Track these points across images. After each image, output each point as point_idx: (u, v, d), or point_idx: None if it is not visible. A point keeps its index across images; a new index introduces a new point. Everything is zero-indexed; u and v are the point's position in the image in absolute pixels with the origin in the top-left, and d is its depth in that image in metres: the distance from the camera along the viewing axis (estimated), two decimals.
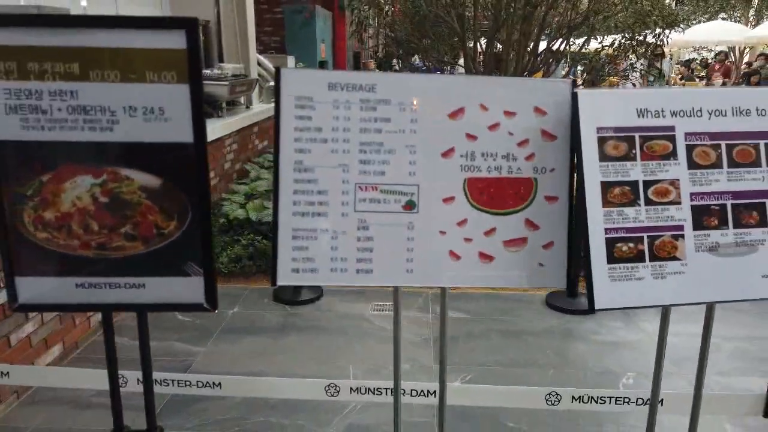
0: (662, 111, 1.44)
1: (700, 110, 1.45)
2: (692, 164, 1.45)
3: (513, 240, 1.52)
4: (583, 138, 1.42)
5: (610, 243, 1.42)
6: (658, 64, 9.41)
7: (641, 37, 7.09)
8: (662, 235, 1.43)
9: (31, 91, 1.50)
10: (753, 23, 16.25)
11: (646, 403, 1.90)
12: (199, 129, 1.55)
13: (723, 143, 1.46)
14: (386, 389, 2.00)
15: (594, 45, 7.61)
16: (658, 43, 6.95)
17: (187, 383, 2.08)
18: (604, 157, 1.43)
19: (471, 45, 7.91)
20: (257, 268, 4.25)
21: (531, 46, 7.39)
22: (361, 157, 1.47)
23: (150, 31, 1.49)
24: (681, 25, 7.52)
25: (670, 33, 7.62)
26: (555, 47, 7.33)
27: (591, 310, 1.41)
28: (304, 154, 1.46)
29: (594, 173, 1.42)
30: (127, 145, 1.55)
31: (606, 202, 1.43)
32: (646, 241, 1.43)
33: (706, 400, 1.80)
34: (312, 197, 1.47)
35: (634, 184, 1.44)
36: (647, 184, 1.44)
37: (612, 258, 1.42)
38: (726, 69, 12.65)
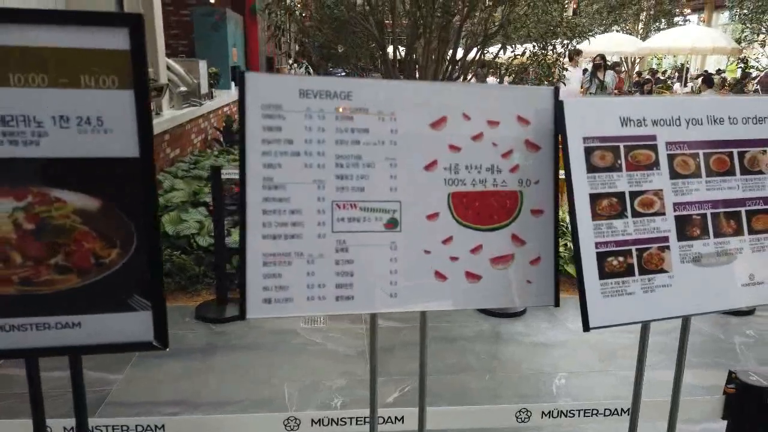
0: (644, 120, 1.42)
1: (679, 119, 1.44)
2: (674, 174, 1.44)
3: (500, 257, 1.44)
4: (570, 148, 1.36)
5: (601, 257, 1.38)
6: (600, 75, 9.60)
7: (551, 47, 7.38)
8: (650, 247, 1.41)
9: None
10: (642, 35, 17.55)
11: (617, 414, 1.89)
12: (146, 142, 1.34)
13: (701, 152, 1.45)
14: (352, 419, 1.85)
15: (507, 54, 7.84)
16: (567, 51, 7.27)
17: (125, 428, 1.83)
18: (591, 168, 1.38)
19: (390, 51, 7.90)
20: (176, 285, 4.00)
21: (449, 54, 7.50)
22: (337, 172, 1.33)
23: (85, 29, 1.27)
24: (588, 36, 7.91)
25: (578, 44, 8.00)
26: (471, 56, 7.48)
27: (585, 328, 1.35)
28: (274, 170, 1.29)
29: (582, 185, 1.37)
30: (58, 162, 1.31)
31: (595, 215, 1.38)
32: (634, 254, 1.39)
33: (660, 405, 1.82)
34: (284, 217, 1.30)
35: (620, 195, 1.40)
36: (633, 195, 1.41)
37: (603, 273, 1.37)
38: (620, 81, 13.31)
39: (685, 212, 1.43)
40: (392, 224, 1.38)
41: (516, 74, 7.43)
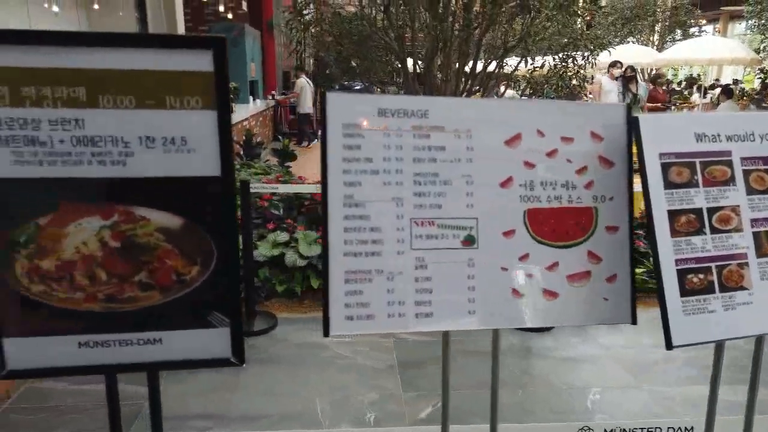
0: (718, 135, 1.42)
1: (753, 134, 1.44)
2: (750, 189, 1.44)
3: (576, 274, 1.44)
4: (647, 164, 1.37)
5: (682, 275, 1.37)
6: (633, 88, 9.39)
7: (571, 59, 7.38)
8: (729, 264, 1.40)
9: (27, 120, 1.26)
10: (658, 46, 17.50)
11: None
12: (227, 160, 1.36)
13: None
14: None
15: (526, 67, 7.84)
16: (587, 62, 7.27)
17: None
18: (668, 184, 1.39)
19: (410, 65, 7.95)
20: None
21: (470, 67, 7.54)
22: (415, 189, 1.34)
23: (170, 51, 1.30)
24: (608, 48, 7.90)
25: (598, 55, 8.00)
26: (490, 69, 7.50)
27: (668, 347, 1.35)
28: (355, 188, 1.31)
29: (660, 201, 1.37)
30: (143, 181, 1.34)
31: (674, 232, 1.38)
32: (714, 271, 1.39)
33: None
34: (364, 235, 1.31)
35: (698, 211, 1.40)
36: (711, 211, 1.41)
37: (684, 291, 1.37)
38: (662, 94, 12.91)
39: (762, 228, 1.43)
40: (469, 241, 1.39)
41: (535, 87, 7.45)
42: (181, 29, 7.17)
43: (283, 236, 4.07)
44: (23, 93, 1.25)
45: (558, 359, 3.32)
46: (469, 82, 7.31)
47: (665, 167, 1.39)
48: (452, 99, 1.45)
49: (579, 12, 7.57)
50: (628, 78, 9.45)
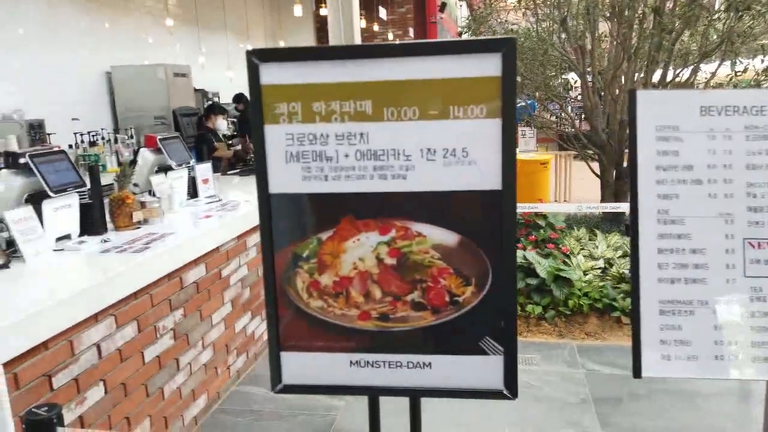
0: None
1: None
2: None
3: None
4: None
5: None
6: None
7: None
8: None
9: (316, 136, 1.27)
10: None
11: None
12: (509, 173, 1.25)
13: None
14: None
15: (723, 71, 7.03)
16: None
17: None
18: None
19: (590, 78, 7.53)
20: None
21: (659, 76, 6.94)
22: (749, 203, 1.12)
23: (457, 57, 1.23)
24: None
25: None
26: (684, 77, 6.82)
27: None
28: (671, 201, 1.13)
29: None
30: (422, 195, 1.28)
31: None
32: None
33: None
34: (684, 258, 1.12)
35: None
36: None
37: None
38: None
39: None
40: None
41: None
42: (357, 41, 7.47)
43: None
44: (314, 109, 1.25)
45: None
46: None
47: None
48: None
49: None
50: None
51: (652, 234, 1.11)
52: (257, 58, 1.22)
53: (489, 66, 1.22)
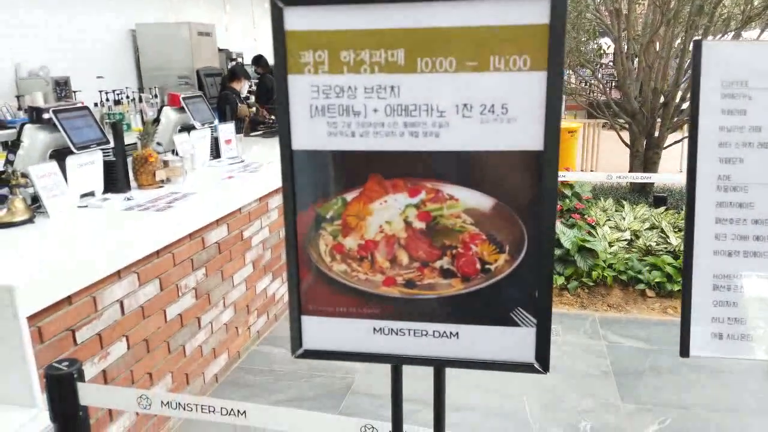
0: None
1: None
2: None
3: None
4: None
5: None
6: None
7: None
8: None
9: (343, 88, 1.18)
10: None
11: None
12: (552, 133, 1.15)
13: None
14: None
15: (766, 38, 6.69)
16: None
17: None
18: None
19: (624, 43, 7.24)
20: None
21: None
22: None
23: (501, 2, 1.11)
24: None
25: None
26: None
27: None
28: (734, 166, 1.02)
29: None
30: (456, 155, 1.18)
31: None
32: None
33: None
34: (745, 229, 1.02)
35: None
36: None
37: None
38: None
39: None
40: None
41: None
42: None
43: None
44: (342, 58, 1.16)
45: None
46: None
47: None
48: None
49: None
50: None
51: (710, 202, 1.01)
52: (281, 1, 1.13)
53: (536, 12, 1.10)
